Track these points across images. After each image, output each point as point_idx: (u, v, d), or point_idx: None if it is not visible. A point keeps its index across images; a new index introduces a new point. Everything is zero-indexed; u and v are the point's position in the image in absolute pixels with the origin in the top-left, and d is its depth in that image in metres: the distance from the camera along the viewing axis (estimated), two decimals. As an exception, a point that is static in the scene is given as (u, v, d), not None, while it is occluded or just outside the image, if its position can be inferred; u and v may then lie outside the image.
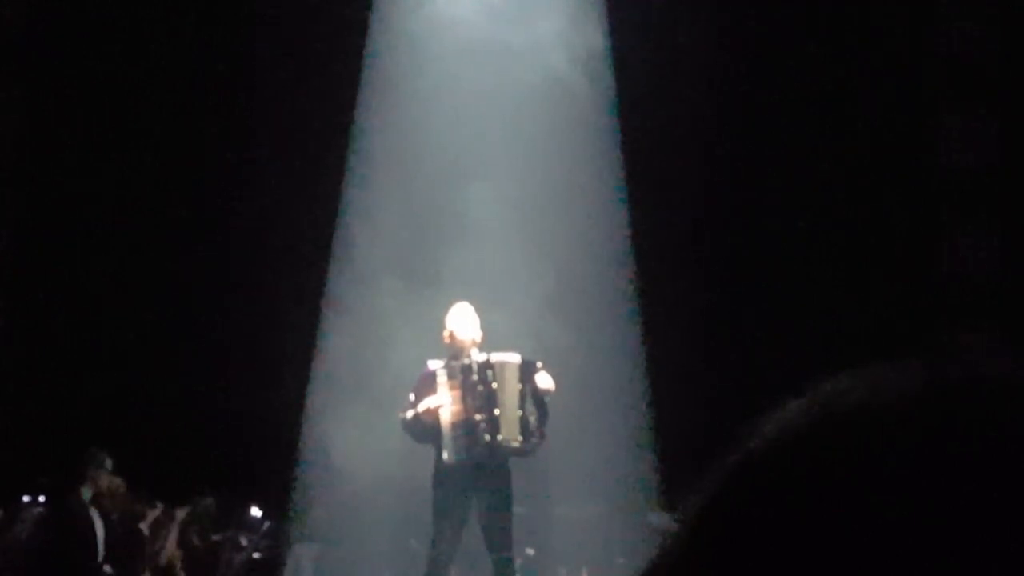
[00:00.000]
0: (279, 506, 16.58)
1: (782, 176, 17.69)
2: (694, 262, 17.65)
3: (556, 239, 16.34)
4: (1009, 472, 0.73)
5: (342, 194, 17.42)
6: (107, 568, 13.10)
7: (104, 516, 13.16)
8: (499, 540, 10.66)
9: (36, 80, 18.25)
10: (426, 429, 10.56)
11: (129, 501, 13.70)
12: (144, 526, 13.91)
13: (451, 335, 10.76)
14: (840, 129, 17.94)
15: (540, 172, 16.63)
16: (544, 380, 10.67)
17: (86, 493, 13.11)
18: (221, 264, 17.39)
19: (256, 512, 16.51)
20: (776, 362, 13.25)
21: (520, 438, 10.57)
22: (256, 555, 16.15)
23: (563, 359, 12.99)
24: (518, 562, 11.47)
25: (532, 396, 10.62)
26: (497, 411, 10.50)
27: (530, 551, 15.57)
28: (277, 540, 16.47)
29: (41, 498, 14.60)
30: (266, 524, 16.49)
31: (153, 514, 14.09)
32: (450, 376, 10.60)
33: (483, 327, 10.90)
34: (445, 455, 10.54)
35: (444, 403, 10.55)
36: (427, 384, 10.62)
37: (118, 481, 13.41)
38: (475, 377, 10.56)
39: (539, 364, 10.78)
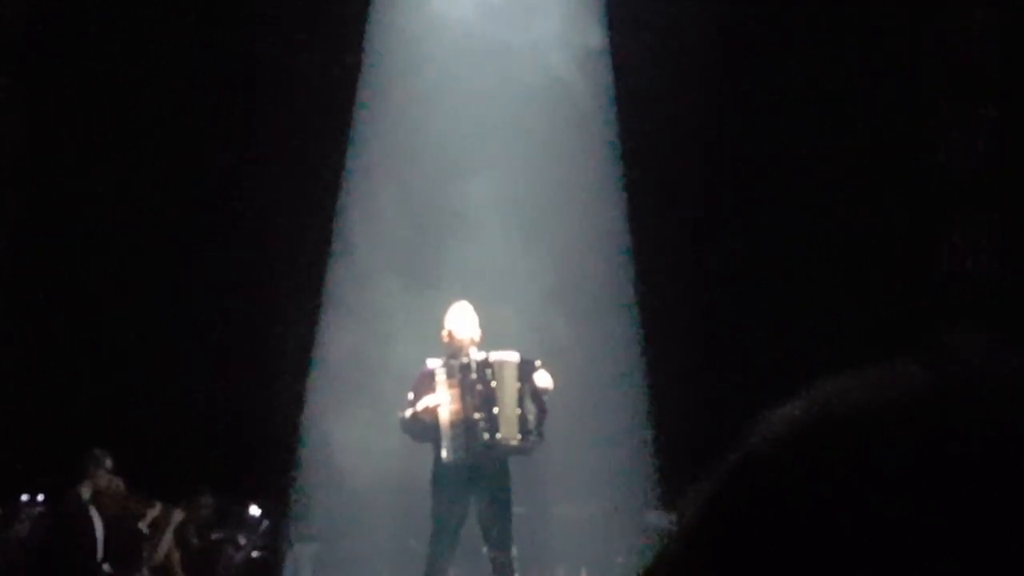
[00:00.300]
0: (278, 505, 16.57)
1: (781, 175, 17.69)
2: (693, 262, 17.64)
3: (556, 237, 16.35)
4: (1009, 472, 0.73)
5: (341, 193, 17.42)
6: (106, 567, 13.10)
7: (103, 515, 13.16)
8: (498, 539, 10.67)
9: (36, 80, 18.24)
10: (425, 428, 10.58)
11: (128, 500, 13.70)
12: (143, 525, 13.91)
13: (450, 334, 10.78)
14: (840, 128, 17.93)
15: (539, 170, 16.63)
16: (543, 379, 10.69)
17: (85, 492, 13.12)
18: (220, 263, 17.38)
19: (255, 511, 16.51)
20: (776, 362, 13.24)
21: (519, 437, 10.59)
22: (255, 554, 16.14)
23: (563, 356, 13.01)
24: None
25: (531, 395, 10.63)
26: (496, 410, 10.52)
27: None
28: (276, 539, 16.47)
29: (40, 497, 14.59)
30: (265, 523, 16.48)
31: (152, 513, 14.09)
32: (449, 375, 10.62)
33: (484, 324, 10.91)
34: (444, 454, 10.55)
35: (443, 402, 10.57)
36: (426, 383, 10.64)
37: (118, 480, 13.41)
38: (474, 376, 10.57)
39: (538, 363, 10.80)
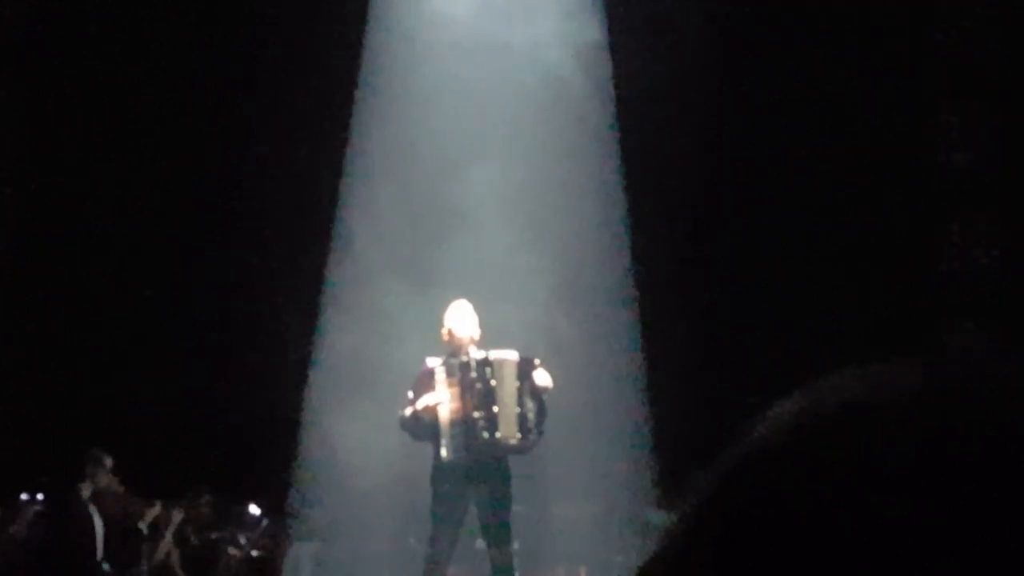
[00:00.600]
0: (278, 504, 16.58)
1: (781, 174, 17.69)
2: (692, 260, 17.65)
3: (556, 234, 16.35)
4: (1009, 472, 0.73)
5: (341, 192, 17.43)
6: (105, 566, 13.11)
7: (103, 515, 13.16)
8: (498, 537, 10.67)
9: (36, 80, 18.24)
10: (425, 427, 10.58)
11: (128, 500, 13.70)
12: (143, 525, 13.91)
13: (449, 332, 10.78)
14: (840, 128, 17.94)
15: (540, 167, 16.64)
16: (542, 377, 10.69)
17: (86, 492, 13.12)
18: (220, 263, 17.39)
19: (255, 510, 16.51)
20: (776, 361, 13.25)
21: (518, 435, 10.59)
22: (254, 553, 16.14)
23: (563, 355, 13.01)
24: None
25: (530, 393, 10.63)
26: (495, 408, 10.51)
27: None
28: (276, 538, 16.47)
29: (40, 496, 14.60)
30: (264, 522, 16.48)
31: (152, 513, 14.09)
32: (448, 374, 10.62)
33: (484, 323, 10.91)
34: (443, 453, 10.55)
35: (442, 401, 10.57)
36: (425, 382, 10.64)
37: (117, 480, 13.42)
38: (473, 374, 10.57)
39: (537, 361, 10.80)
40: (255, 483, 16.25)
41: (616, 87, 17.44)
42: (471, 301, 11.03)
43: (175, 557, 14.39)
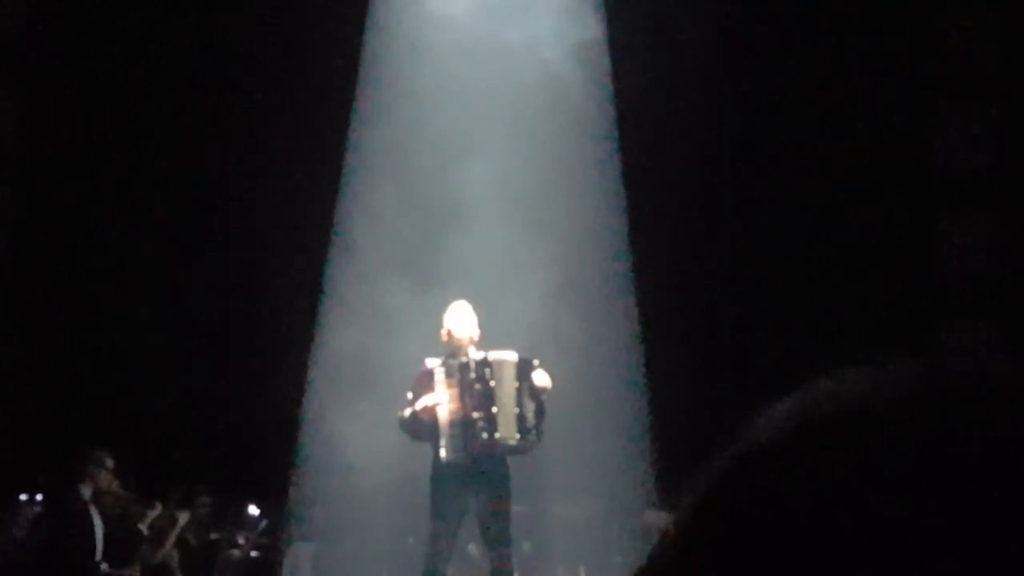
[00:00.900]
0: (276, 505, 16.58)
1: (781, 173, 17.69)
2: (692, 259, 17.65)
3: (557, 233, 16.35)
4: (1009, 472, 0.73)
5: (341, 191, 17.43)
6: (104, 566, 13.10)
7: (104, 515, 13.15)
8: (497, 538, 10.67)
9: (36, 80, 18.24)
10: (424, 427, 10.58)
11: (129, 501, 13.69)
12: (143, 526, 13.90)
13: (449, 333, 10.78)
14: (840, 128, 17.94)
15: (540, 166, 16.65)
16: (541, 378, 10.69)
17: (86, 492, 13.11)
18: (220, 262, 17.39)
19: (253, 511, 16.51)
20: (775, 361, 13.25)
21: (517, 436, 10.59)
22: (253, 554, 16.14)
23: (563, 355, 13.01)
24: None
25: (529, 394, 10.63)
26: (495, 409, 10.51)
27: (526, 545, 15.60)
28: (274, 539, 16.47)
29: (39, 497, 14.60)
30: (263, 523, 16.48)
31: (153, 514, 14.08)
32: (448, 374, 10.62)
33: (484, 322, 10.91)
34: (443, 453, 10.55)
35: (442, 401, 10.57)
36: (425, 382, 10.64)
37: (118, 481, 13.40)
38: (473, 375, 10.57)
39: (536, 362, 10.81)
40: (255, 483, 16.25)
41: (615, 84, 17.44)
42: (471, 301, 11.03)
43: (174, 557, 14.38)
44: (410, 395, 10.65)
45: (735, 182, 17.78)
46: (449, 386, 10.59)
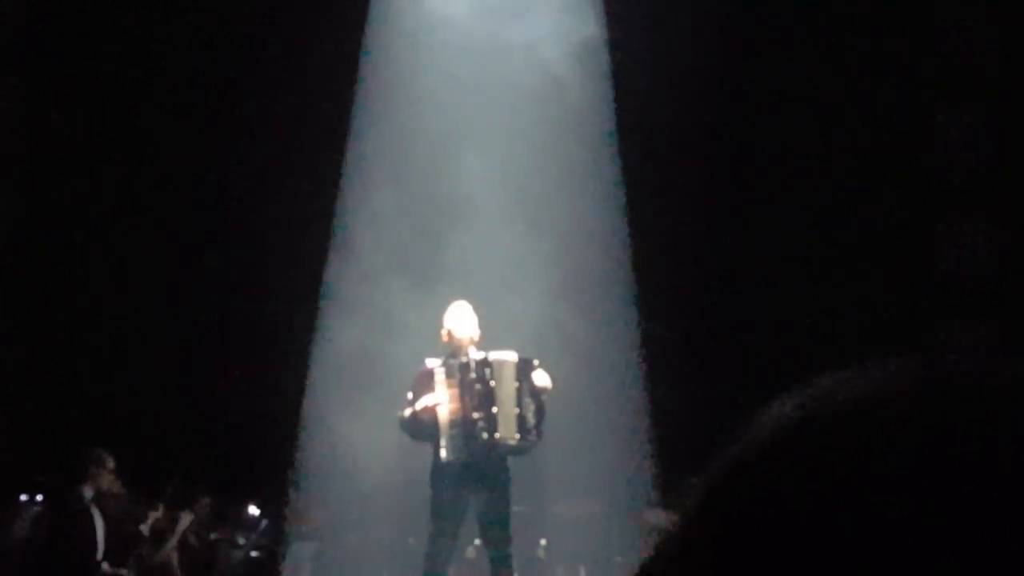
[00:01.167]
0: (277, 505, 16.58)
1: (781, 173, 17.68)
2: (691, 259, 17.64)
3: (557, 232, 16.36)
4: (1008, 472, 0.73)
5: (341, 191, 17.43)
6: (105, 565, 13.09)
7: (105, 516, 13.15)
8: (497, 538, 10.67)
9: (36, 80, 18.24)
10: (424, 427, 10.58)
11: (130, 502, 13.69)
12: (145, 527, 13.90)
13: (449, 333, 10.78)
14: (839, 128, 17.93)
15: (540, 166, 16.65)
16: (541, 378, 10.69)
17: (88, 492, 13.11)
18: (220, 261, 17.38)
19: (254, 511, 16.51)
20: (776, 361, 13.24)
21: (517, 436, 10.59)
22: (253, 554, 16.14)
23: (564, 355, 13.01)
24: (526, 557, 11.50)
25: (529, 394, 10.63)
26: (495, 409, 10.51)
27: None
28: (275, 539, 16.47)
29: (39, 497, 14.59)
30: (263, 523, 16.48)
31: (154, 516, 14.08)
32: (448, 374, 10.61)
33: (485, 322, 10.91)
34: (443, 453, 10.55)
35: (442, 401, 10.57)
36: (425, 382, 10.64)
37: (119, 482, 13.40)
38: (473, 375, 10.57)
39: (535, 362, 10.80)
40: (255, 483, 16.25)
41: (615, 84, 17.44)
42: (472, 300, 11.03)
43: (174, 558, 14.38)
44: (410, 395, 10.65)
45: (735, 181, 17.77)
46: (449, 386, 10.59)
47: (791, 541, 0.73)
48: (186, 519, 14.40)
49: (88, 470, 13.19)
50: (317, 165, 17.51)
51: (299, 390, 16.82)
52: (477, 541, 12.27)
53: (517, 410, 10.58)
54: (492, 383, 10.55)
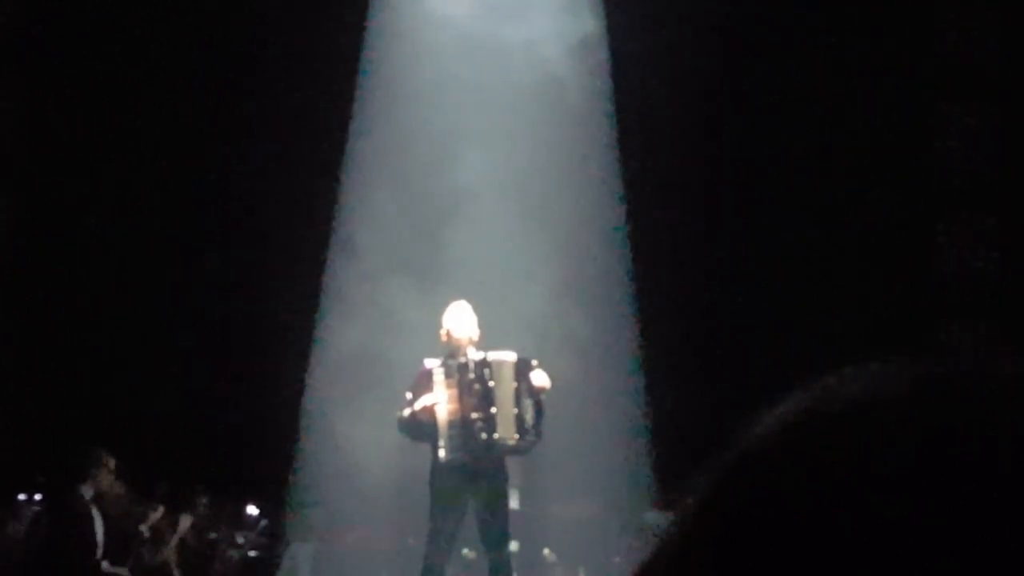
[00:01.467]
0: (275, 504, 16.58)
1: (780, 172, 17.69)
2: (691, 259, 17.64)
3: (555, 230, 16.36)
4: (1009, 472, 0.73)
5: (342, 190, 17.44)
6: (105, 564, 13.09)
7: (105, 516, 13.15)
8: (495, 538, 10.67)
9: (36, 80, 18.24)
10: (423, 427, 10.57)
11: (131, 502, 13.69)
12: (145, 528, 13.90)
13: (448, 333, 10.77)
14: (840, 126, 17.94)
15: (540, 165, 16.66)
16: (540, 378, 10.69)
17: (88, 492, 13.10)
18: (220, 262, 17.39)
19: (252, 510, 16.51)
20: (776, 361, 13.25)
21: (516, 436, 10.58)
22: (252, 554, 16.14)
23: (563, 355, 13.01)
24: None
25: (528, 394, 10.62)
26: (494, 409, 10.50)
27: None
28: (273, 538, 16.47)
29: (38, 496, 14.59)
30: (262, 522, 16.48)
31: (154, 516, 14.08)
32: (447, 374, 10.61)
33: (484, 322, 10.91)
34: (442, 453, 10.54)
35: (441, 401, 10.56)
36: (424, 383, 10.63)
37: (120, 482, 13.39)
38: (472, 375, 10.56)
39: (534, 362, 10.80)
40: (255, 483, 16.25)
41: (614, 82, 17.45)
42: (472, 299, 11.02)
43: (173, 557, 14.38)
44: (409, 395, 10.65)
45: (734, 181, 17.78)
46: (448, 386, 10.58)
47: (791, 541, 0.73)
48: (186, 522, 14.40)
49: (88, 470, 13.18)
50: (317, 165, 17.52)
51: (299, 390, 16.82)
52: (474, 547, 12.27)
53: (516, 410, 10.57)
54: (491, 383, 10.55)
